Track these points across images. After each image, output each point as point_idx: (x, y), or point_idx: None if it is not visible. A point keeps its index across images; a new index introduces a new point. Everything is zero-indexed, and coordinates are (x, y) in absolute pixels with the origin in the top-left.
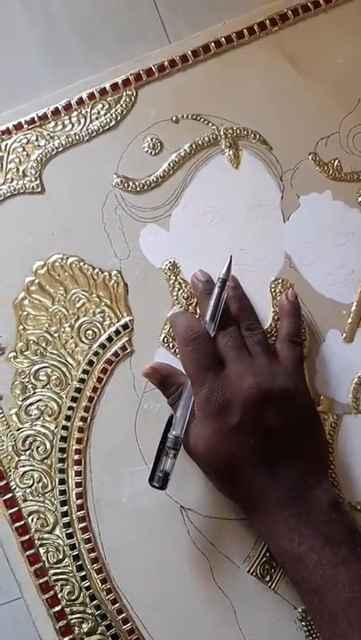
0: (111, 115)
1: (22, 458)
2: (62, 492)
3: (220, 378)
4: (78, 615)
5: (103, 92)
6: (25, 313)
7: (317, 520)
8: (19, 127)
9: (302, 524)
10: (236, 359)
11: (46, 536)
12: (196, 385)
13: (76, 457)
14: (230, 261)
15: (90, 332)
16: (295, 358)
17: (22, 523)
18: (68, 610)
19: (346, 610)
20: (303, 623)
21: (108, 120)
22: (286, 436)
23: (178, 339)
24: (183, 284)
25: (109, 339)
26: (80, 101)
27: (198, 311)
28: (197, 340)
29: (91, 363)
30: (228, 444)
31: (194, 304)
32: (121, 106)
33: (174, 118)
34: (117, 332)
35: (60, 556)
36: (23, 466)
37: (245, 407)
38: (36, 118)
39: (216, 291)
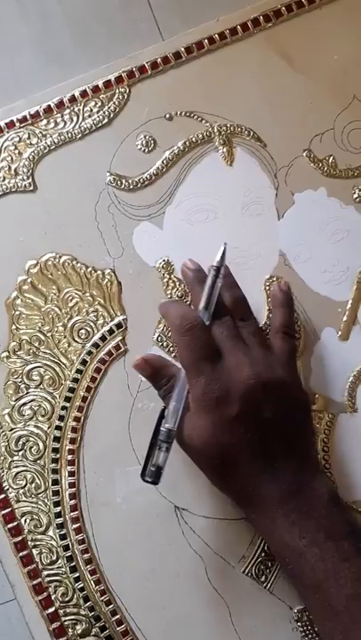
0: (104, 112)
1: (15, 458)
2: (56, 493)
3: (217, 369)
4: (72, 617)
5: (96, 89)
6: (17, 312)
7: (318, 513)
8: (10, 125)
9: (303, 518)
10: (234, 349)
11: (39, 537)
12: (192, 376)
13: (70, 457)
14: (225, 249)
15: (83, 331)
16: (288, 350)
17: (15, 524)
18: (61, 611)
19: (348, 606)
20: (299, 624)
21: (101, 118)
22: (284, 428)
23: (173, 328)
24: (177, 283)
25: (103, 338)
26: (72, 99)
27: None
28: (193, 329)
29: (84, 362)
30: (225, 436)
31: (188, 302)
32: (114, 103)
33: (168, 116)
34: (111, 332)
35: (54, 557)
36: (16, 466)
37: (244, 398)
38: (28, 116)
39: (210, 279)
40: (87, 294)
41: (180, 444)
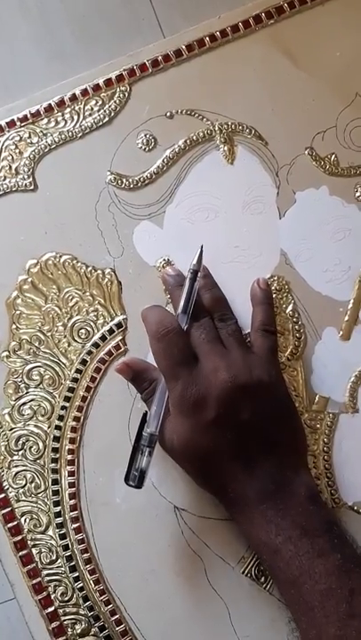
0: (104, 111)
1: (15, 458)
2: (55, 493)
3: (194, 373)
4: (71, 616)
5: (96, 87)
6: (18, 312)
7: (295, 512)
8: (11, 124)
9: (280, 516)
10: (210, 352)
11: (39, 536)
12: (169, 381)
13: (70, 457)
14: (201, 251)
15: (83, 330)
16: (269, 348)
17: (15, 523)
18: (61, 611)
19: (322, 601)
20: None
21: (102, 116)
22: (263, 429)
23: (149, 334)
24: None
25: (103, 338)
26: (73, 98)
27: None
28: (169, 334)
29: (84, 362)
30: (204, 439)
31: None
32: (114, 102)
33: (168, 114)
34: (111, 331)
35: (53, 557)
36: (16, 466)
37: (221, 402)
38: (28, 115)
39: (187, 282)
40: (87, 294)
41: (161, 446)
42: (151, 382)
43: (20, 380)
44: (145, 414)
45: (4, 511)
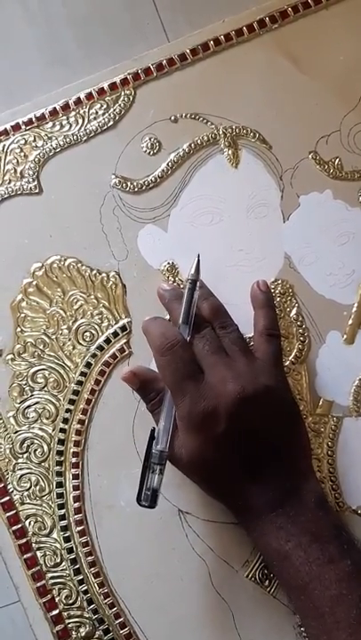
0: (109, 115)
1: (20, 460)
2: (60, 495)
3: (201, 387)
4: (76, 619)
5: (101, 91)
6: (22, 315)
7: (305, 518)
8: (16, 128)
9: (290, 523)
10: (216, 364)
11: (44, 539)
12: (176, 396)
13: (74, 460)
14: (198, 261)
15: (88, 333)
16: (273, 352)
17: (19, 526)
18: (65, 614)
19: (333, 607)
20: (302, 629)
21: (107, 120)
22: (271, 436)
23: (153, 348)
24: (182, 286)
25: (107, 341)
26: (78, 101)
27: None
28: (174, 348)
29: (88, 365)
30: (214, 452)
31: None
32: (119, 105)
33: (173, 118)
34: (115, 334)
35: (58, 560)
36: (21, 469)
37: (230, 414)
38: (33, 119)
39: (186, 292)
40: (92, 297)
41: (169, 460)
42: (158, 393)
43: (24, 382)
44: (153, 431)
45: (8, 514)
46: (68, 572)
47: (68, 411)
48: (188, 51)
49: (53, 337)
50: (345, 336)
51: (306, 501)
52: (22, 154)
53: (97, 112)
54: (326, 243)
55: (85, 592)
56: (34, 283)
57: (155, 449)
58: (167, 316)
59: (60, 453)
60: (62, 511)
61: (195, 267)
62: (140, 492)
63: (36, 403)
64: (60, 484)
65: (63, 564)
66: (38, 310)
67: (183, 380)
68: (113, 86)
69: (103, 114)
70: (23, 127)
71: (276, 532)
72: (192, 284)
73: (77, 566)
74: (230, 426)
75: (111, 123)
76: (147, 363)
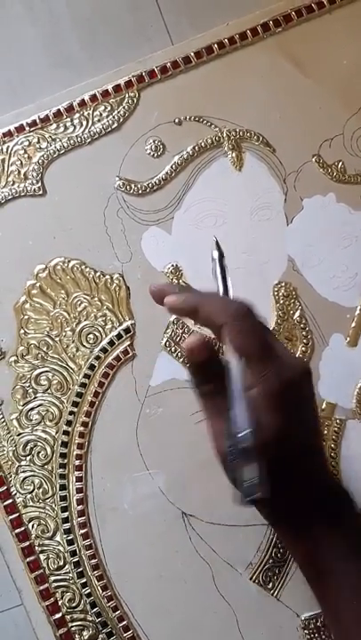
0: (113, 117)
1: (23, 463)
2: (63, 498)
3: (281, 354)
4: (79, 622)
5: (105, 93)
6: (26, 317)
7: (346, 527)
8: (20, 129)
9: (332, 533)
10: (274, 338)
11: (47, 542)
12: (261, 363)
13: (77, 462)
14: (217, 240)
15: (91, 335)
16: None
17: (23, 529)
18: (68, 617)
19: None
20: (306, 631)
21: (111, 122)
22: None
23: (227, 316)
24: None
25: (111, 343)
26: (82, 103)
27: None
28: (251, 312)
29: (92, 367)
30: (298, 427)
31: None
32: (123, 108)
33: (177, 120)
34: (119, 336)
35: (61, 563)
36: (24, 471)
37: (309, 383)
38: (37, 120)
39: (218, 268)
40: (96, 299)
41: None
42: (215, 375)
43: (28, 385)
44: (226, 426)
45: (11, 517)
46: (71, 574)
47: (71, 413)
48: (192, 54)
49: (57, 339)
50: (348, 339)
51: (348, 508)
52: (26, 155)
53: (101, 114)
54: (330, 245)
55: (89, 595)
56: (37, 284)
57: (239, 436)
58: (170, 318)
59: (63, 456)
60: (65, 514)
61: (215, 246)
62: (239, 491)
63: (40, 405)
64: (63, 487)
65: (66, 566)
66: (42, 312)
67: (268, 345)
68: (117, 88)
69: (107, 116)
70: (27, 129)
71: (319, 540)
72: (220, 257)
73: (80, 569)
74: (308, 395)
75: (115, 125)
76: (151, 366)
